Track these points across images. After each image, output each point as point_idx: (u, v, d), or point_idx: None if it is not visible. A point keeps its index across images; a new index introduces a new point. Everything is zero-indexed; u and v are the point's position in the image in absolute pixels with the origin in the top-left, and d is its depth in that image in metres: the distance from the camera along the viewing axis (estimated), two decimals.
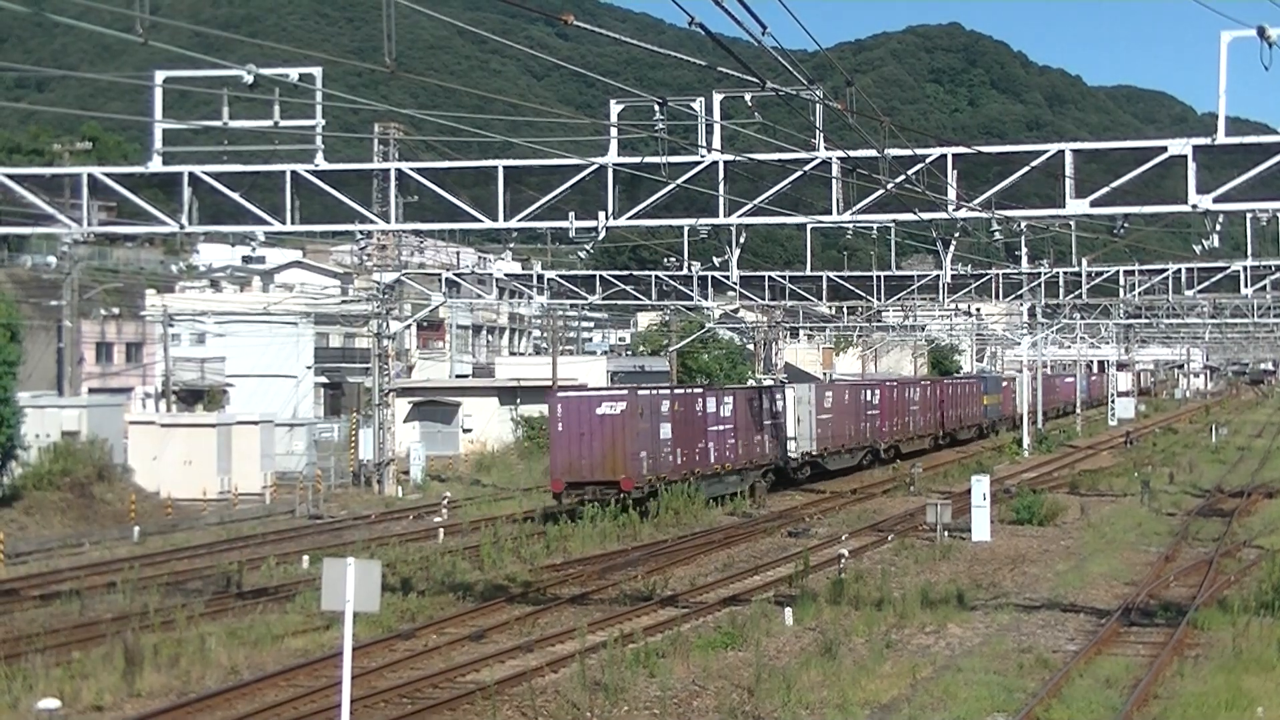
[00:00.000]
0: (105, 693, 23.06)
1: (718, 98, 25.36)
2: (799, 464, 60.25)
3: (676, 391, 51.71)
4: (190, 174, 27.69)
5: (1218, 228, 26.85)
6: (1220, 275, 52.20)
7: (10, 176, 28.84)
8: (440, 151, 36.78)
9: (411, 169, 28.07)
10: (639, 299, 60.37)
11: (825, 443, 62.32)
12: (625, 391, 48.42)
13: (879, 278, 56.60)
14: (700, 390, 54.54)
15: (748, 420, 54.78)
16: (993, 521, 43.53)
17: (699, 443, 50.63)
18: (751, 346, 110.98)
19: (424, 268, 78.88)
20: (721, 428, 52.51)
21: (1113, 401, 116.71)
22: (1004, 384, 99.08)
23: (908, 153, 25.83)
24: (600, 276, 59.19)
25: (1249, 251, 46.86)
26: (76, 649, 26.37)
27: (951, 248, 38.02)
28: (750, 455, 55.15)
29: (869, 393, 68.81)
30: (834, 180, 26.33)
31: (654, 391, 49.64)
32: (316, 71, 25.75)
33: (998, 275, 56.94)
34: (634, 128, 26.12)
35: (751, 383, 70.66)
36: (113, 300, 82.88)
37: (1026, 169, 25.63)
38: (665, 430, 48.14)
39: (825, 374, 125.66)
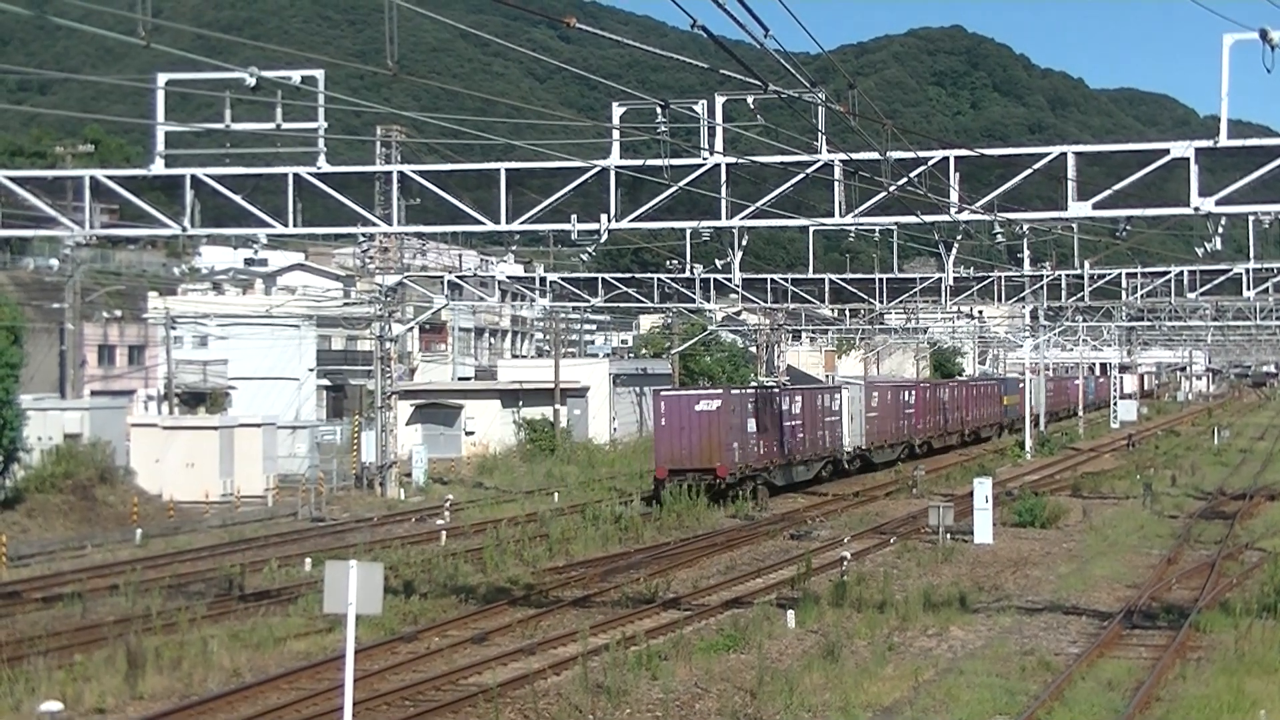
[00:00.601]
0: (107, 695, 23.07)
1: (720, 100, 25.36)
2: (851, 456, 65.97)
3: (760, 391, 57.96)
4: (192, 176, 27.71)
5: (1220, 230, 26.88)
6: (1222, 278, 52.21)
7: (12, 179, 28.87)
8: (442, 154, 36.83)
9: (414, 171, 28.08)
10: (641, 301, 60.42)
11: (872, 438, 68.26)
12: (720, 391, 54.97)
13: (881, 280, 56.64)
14: (777, 389, 60.47)
15: (813, 417, 60.73)
16: (995, 524, 43.51)
17: (776, 436, 56.52)
18: (754, 349, 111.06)
19: (426, 270, 78.91)
20: (794, 423, 58.49)
21: (1115, 404, 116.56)
22: (1021, 385, 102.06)
23: (910, 155, 25.84)
24: (602, 279, 59.23)
25: (1251, 254, 46.87)
26: (79, 651, 26.37)
27: (954, 250, 38.14)
28: (815, 448, 61.20)
29: (907, 393, 75.17)
30: (836, 183, 26.34)
31: (742, 391, 56.60)
32: (319, 74, 25.80)
33: (1000, 278, 56.94)
34: (636, 130, 26.13)
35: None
36: (115, 303, 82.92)
37: (1029, 172, 25.63)
38: (751, 425, 53.98)
39: (827, 377, 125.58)
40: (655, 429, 53.98)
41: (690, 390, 57.39)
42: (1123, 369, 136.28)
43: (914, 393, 76.16)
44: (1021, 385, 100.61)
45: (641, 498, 52.76)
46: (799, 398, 59.53)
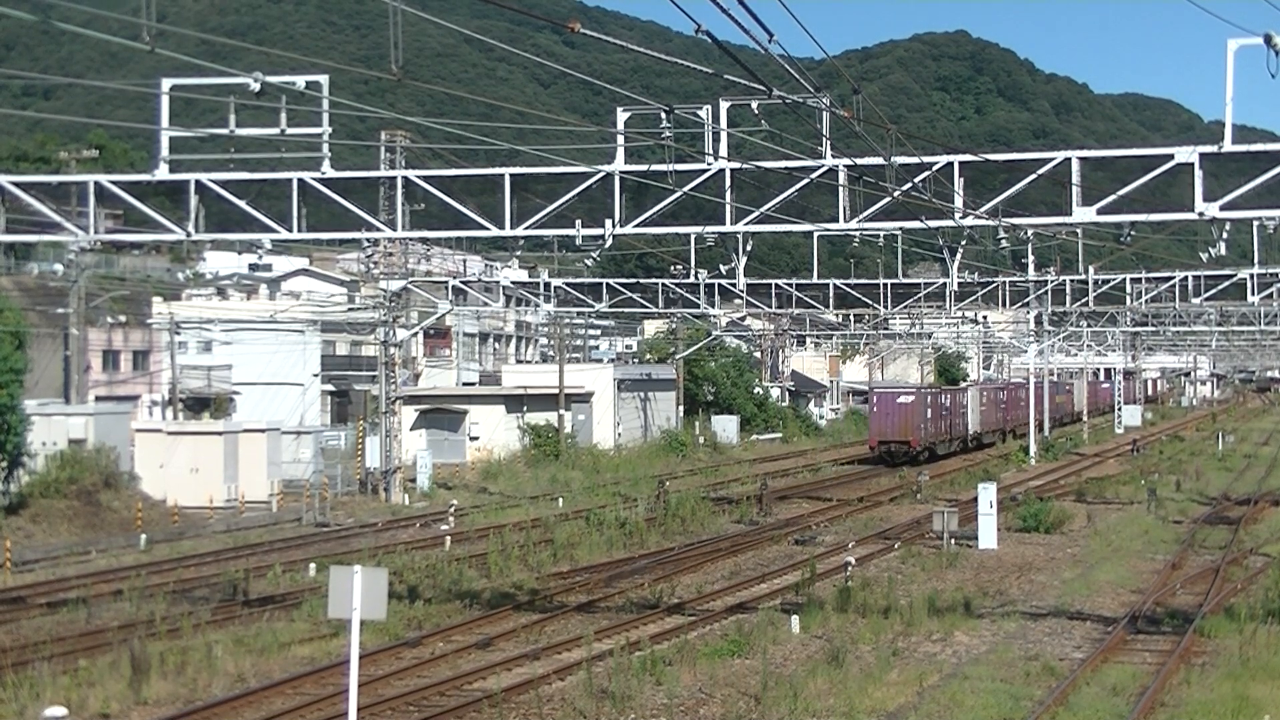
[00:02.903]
0: (112, 701, 23.08)
1: (724, 105, 25.37)
2: (972, 437, 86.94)
3: (932, 390, 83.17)
4: (197, 182, 27.73)
5: (1224, 235, 26.85)
6: (1227, 283, 52.20)
7: (17, 184, 28.91)
8: (447, 159, 36.82)
9: (418, 177, 28.09)
10: (646, 307, 60.44)
11: (983, 425, 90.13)
12: (914, 389, 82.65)
13: (886, 285, 56.68)
14: (939, 389, 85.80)
15: (955, 408, 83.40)
16: (999, 529, 43.51)
17: (939, 421, 79.56)
18: (758, 354, 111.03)
19: (430, 275, 78.95)
20: (945, 412, 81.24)
21: (1119, 409, 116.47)
22: (1067, 387, 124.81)
23: (914, 160, 25.84)
24: (607, 284, 59.22)
25: (1255, 259, 46.85)
26: (83, 657, 26.37)
27: (958, 255, 38.08)
28: (955, 430, 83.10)
29: (1001, 393, 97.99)
30: (841, 188, 26.35)
31: (926, 389, 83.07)
32: (323, 79, 25.80)
33: (1004, 283, 56.99)
34: (640, 135, 26.11)
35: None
36: (119, 308, 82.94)
37: (1033, 177, 25.63)
38: (929, 413, 77.19)
39: (832, 381, 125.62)
40: (870, 414, 78.95)
41: (895, 388, 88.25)
42: (1128, 374, 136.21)
43: (1005, 392, 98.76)
44: (1067, 387, 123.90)
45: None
46: (949, 395, 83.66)
